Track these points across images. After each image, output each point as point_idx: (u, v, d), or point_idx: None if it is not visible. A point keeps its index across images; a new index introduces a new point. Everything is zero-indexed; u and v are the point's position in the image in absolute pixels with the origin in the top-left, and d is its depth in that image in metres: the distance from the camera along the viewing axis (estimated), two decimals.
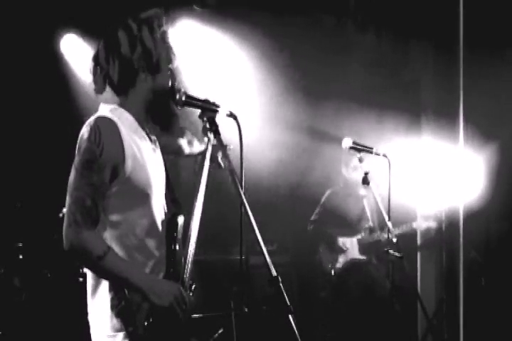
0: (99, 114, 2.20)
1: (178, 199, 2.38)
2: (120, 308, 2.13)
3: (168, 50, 2.29)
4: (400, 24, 5.35)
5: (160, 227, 2.27)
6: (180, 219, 2.31)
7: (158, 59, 2.24)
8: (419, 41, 5.53)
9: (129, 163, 2.15)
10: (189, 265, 2.25)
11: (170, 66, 2.30)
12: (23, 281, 4.91)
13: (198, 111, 2.27)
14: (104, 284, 2.16)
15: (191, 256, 2.26)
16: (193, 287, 2.33)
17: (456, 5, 4.81)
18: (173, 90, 2.27)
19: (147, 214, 2.22)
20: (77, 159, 2.12)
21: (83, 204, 2.07)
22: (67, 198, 2.10)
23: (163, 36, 2.28)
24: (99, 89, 2.28)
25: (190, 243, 2.27)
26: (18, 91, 5.42)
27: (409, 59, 5.69)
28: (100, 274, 2.15)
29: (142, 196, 2.20)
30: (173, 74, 2.31)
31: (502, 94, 4.95)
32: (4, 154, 5.38)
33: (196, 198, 2.31)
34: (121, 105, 2.27)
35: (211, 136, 2.24)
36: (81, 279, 4.78)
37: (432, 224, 5.32)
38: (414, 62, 5.68)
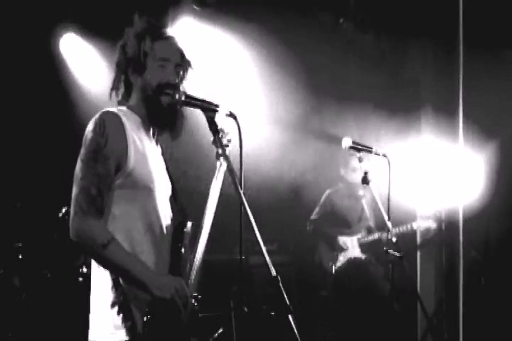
0: (105, 109, 2.26)
1: (185, 208, 2.39)
2: (120, 305, 2.15)
3: (148, 49, 2.30)
4: (400, 23, 5.35)
5: (164, 228, 2.28)
6: (188, 227, 2.33)
7: (139, 59, 2.29)
8: (419, 39, 5.53)
9: (131, 157, 2.19)
10: (195, 272, 2.25)
11: (158, 63, 2.30)
12: (23, 281, 4.91)
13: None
14: (106, 281, 2.18)
15: (198, 263, 2.26)
16: (199, 297, 2.33)
17: (455, 3, 4.81)
18: (163, 86, 2.28)
19: (150, 209, 2.24)
20: (82, 150, 2.18)
21: (88, 193, 2.11)
22: (74, 188, 2.15)
23: (142, 37, 2.30)
24: (122, 100, 2.37)
25: (198, 251, 2.27)
26: (17, 91, 5.41)
27: (409, 57, 5.69)
28: (103, 264, 2.17)
29: (145, 190, 2.22)
30: (164, 71, 2.31)
31: (502, 93, 4.94)
32: (4, 154, 5.37)
33: (207, 207, 2.32)
34: (128, 107, 2.34)
35: (224, 162, 2.28)
36: (81, 279, 4.78)
37: (432, 224, 5.32)
38: (413, 60, 5.68)
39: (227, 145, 2.31)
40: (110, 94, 2.38)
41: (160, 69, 2.30)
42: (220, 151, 2.27)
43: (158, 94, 2.28)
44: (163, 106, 2.29)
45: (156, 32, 2.33)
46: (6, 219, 5.17)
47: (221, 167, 2.34)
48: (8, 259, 4.95)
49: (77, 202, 2.12)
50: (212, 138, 2.24)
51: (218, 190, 2.36)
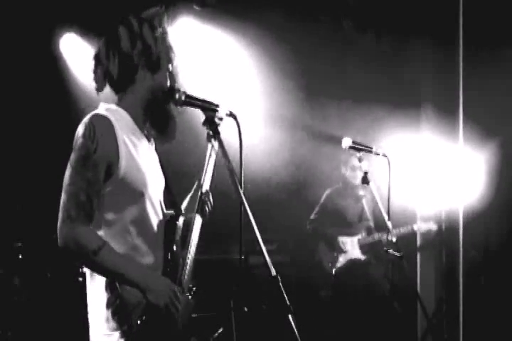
0: (94, 111, 2.21)
1: (177, 201, 2.37)
2: (115, 307, 2.13)
3: (168, 49, 2.28)
4: (400, 22, 5.35)
5: (156, 227, 2.26)
6: (180, 221, 2.30)
7: (158, 57, 2.24)
8: (419, 39, 5.53)
9: (123, 162, 2.15)
10: (188, 267, 2.24)
11: (169, 66, 2.29)
12: (23, 281, 4.91)
13: (197, 115, 2.26)
14: (100, 283, 2.16)
15: (191, 258, 2.25)
16: (194, 289, 2.32)
17: (456, 3, 4.81)
18: (172, 91, 2.26)
19: (142, 212, 2.21)
20: (72, 156, 2.13)
21: (77, 200, 2.07)
22: (62, 194, 2.10)
23: (164, 35, 2.27)
24: (100, 87, 2.28)
25: (191, 245, 2.26)
26: (17, 91, 5.41)
27: (409, 57, 5.69)
28: (96, 270, 2.14)
29: (137, 195, 2.19)
30: (172, 75, 2.30)
31: (502, 92, 4.94)
32: (4, 154, 5.37)
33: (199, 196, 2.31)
34: (120, 104, 2.27)
35: (215, 143, 2.23)
36: (81, 279, 4.78)
37: (433, 226, 5.32)
38: (413, 59, 5.68)
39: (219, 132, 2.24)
40: (100, 86, 2.26)
41: (167, 72, 2.28)
42: (214, 148, 2.25)
43: (169, 98, 2.25)
44: (170, 111, 2.27)
45: (168, 32, 2.30)
46: (6, 219, 5.17)
47: (212, 150, 2.31)
48: (8, 259, 4.95)
49: (65, 209, 2.07)
50: (206, 135, 2.21)
51: (210, 177, 2.34)
